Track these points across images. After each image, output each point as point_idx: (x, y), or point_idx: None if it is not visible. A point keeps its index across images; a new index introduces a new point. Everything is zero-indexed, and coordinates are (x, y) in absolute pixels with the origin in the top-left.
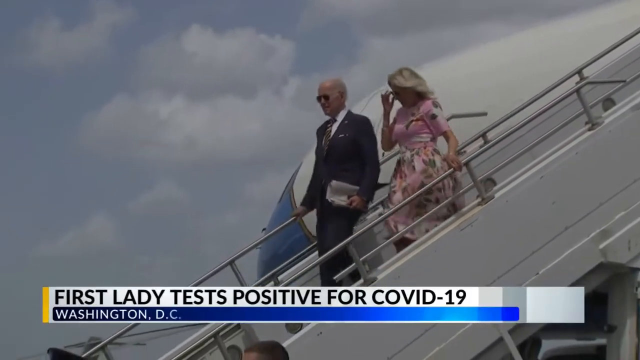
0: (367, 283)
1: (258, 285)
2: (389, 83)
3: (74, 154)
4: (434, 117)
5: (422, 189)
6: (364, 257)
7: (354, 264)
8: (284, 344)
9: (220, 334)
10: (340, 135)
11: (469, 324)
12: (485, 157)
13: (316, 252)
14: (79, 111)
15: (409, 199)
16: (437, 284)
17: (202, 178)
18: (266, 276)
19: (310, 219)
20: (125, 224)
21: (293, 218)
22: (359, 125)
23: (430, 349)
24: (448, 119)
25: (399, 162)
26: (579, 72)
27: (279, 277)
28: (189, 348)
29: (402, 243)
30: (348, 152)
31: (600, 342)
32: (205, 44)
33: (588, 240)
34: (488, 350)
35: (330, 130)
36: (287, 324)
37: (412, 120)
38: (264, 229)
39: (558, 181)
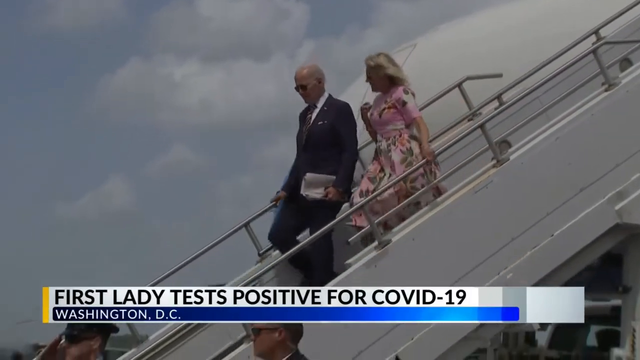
0: (382, 245)
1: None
2: (367, 65)
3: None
4: (404, 103)
5: (392, 183)
6: (379, 219)
7: (368, 227)
8: None
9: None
10: (319, 123)
11: (483, 286)
12: (500, 119)
13: None
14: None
15: (380, 191)
16: (452, 246)
17: (216, 141)
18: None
19: None
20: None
21: (273, 203)
22: (338, 111)
23: None
24: (463, 81)
25: (376, 151)
26: (596, 32)
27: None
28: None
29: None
30: (327, 139)
31: (616, 302)
32: (219, 7)
33: (604, 201)
34: None
35: (310, 117)
36: None
37: (384, 108)
38: (278, 192)
39: (574, 143)
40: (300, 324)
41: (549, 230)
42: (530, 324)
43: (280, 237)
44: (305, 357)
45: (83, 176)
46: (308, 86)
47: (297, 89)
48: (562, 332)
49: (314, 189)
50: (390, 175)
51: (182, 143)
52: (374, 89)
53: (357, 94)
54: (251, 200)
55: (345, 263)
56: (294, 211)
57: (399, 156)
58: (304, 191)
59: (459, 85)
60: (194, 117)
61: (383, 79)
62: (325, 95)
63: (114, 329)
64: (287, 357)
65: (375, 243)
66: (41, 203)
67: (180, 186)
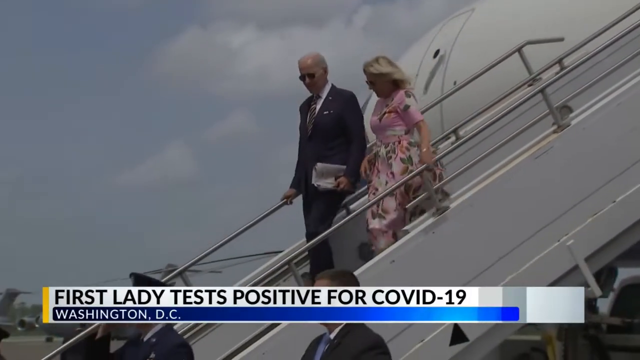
0: (440, 212)
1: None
2: (364, 71)
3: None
4: (406, 107)
5: (388, 191)
6: (437, 185)
7: (426, 193)
8: None
9: (294, 261)
10: (325, 112)
11: (543, 252)
12: (562, 84)
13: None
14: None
15: (380, 196)
16: (511, 213)
17: (274, 109)
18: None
19: None
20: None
21: (284, 201)
22: (344, 100)
23: (503, 277)
24: (523, 46)
25: (374, 156)
26: None
27: (351, 206)
28: (263, 275)
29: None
30: (334, 129)
31: None
32: None
33: None
34: (563, 278)
35: (315, 107)
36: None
37: (385, 112)
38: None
39: (637, 108)
40: None
41: (611, 196)
42: (592, 291)
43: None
44: (363, 323)
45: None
46: (316, 75)
47: (302, 78)
48: (625, 299)
49: (325, 178)
50: (387, 183)
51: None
52: (379, 95)
53: (414, 58)
54: None
55: (403, 229)
56: (309, 201)
57: (399, 166)
58: (315, 181)
59: (519, 50)
60: (251, 84)
61: (387, 83)
62: (329, 84)
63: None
64: (340, 328)
65: (434, 209)
66: (102, 170)
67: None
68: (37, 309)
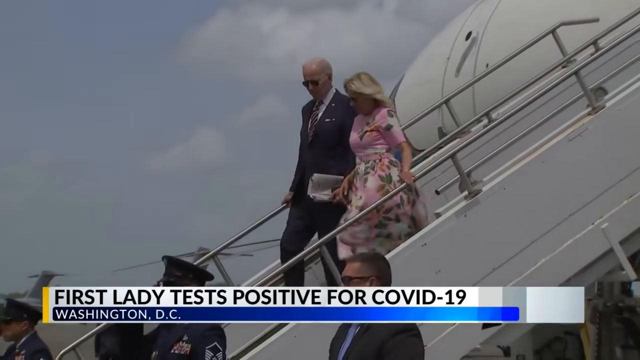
0: (472, 195)
1: None
2: (345, 87)
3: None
4: (389, 127)
5: (369, 209)
6: (469, 168)
7: (457, 176)
8: None
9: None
10: (327, 120)
11: (577, 235)
12: (596, 66)
13: (417, 166)
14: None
15: (356, 216)
16: (544, 195)
17: (304, 93)
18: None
19: (411, 132)
20: (231, 138)
21: (284, 205)
22: (347, 108)
23: (535, 261)
24: (557, 27)
25: (354, 173)
26: None
27: None
28: (295, 258)
29: None
30: (334, 138)
31: None
32: None
33: None
34: (597, 261)
35: (317, 113)
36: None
37: (366, 131)
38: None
39: None
40: (390, 273)
41: None
42: (627, 274)
43: (292, 246)
44: None
45: (174, 129)
46: (320, 81)
47: (305, 84)
48: None
49: (321, 190)
50: (361, 198)
51: (270, 95)
52: (359, 112)
53: (446, 40)
54: None
55: (435, 212)
56: (302, 212)
57: (376, 182)
58: (310, 192)
59: (553, 31)
60: (281, 68)
61: (369, 101)
62: (333, 90)
63: (209, 276)
64: None
65: (466, 192)
66: (134, 155)
67: (269, 137)
68: None
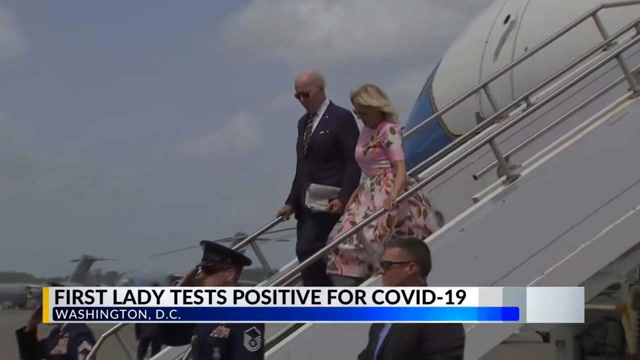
0: (510, 180)
1: None
2: (351, 100)
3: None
4: (388, 144)
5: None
6: (507, 153)
7: (495, 161)
8: None
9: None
10: (321, 132)
11: (617, 220)
12: (638, 48)
13: (455, 151)
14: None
15: (358, 224)
16: (584, 180)
17: (340, 78)
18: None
19: (449, 118)
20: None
21: (279, 218)
22: (341, 120)
23: (575, 247)
24: (597, 10)
25: (359, 187)
26: None
27: (419, 175)
28: (334, 242)
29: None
30: (329, 150)
31: None
32: None
33: None
34: (638, 247)
35: (311, 126)
36: None
37: (369, 147)
38: (402, 128)
39: None
40: (430, 259)
41: None
42: None
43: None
44: None
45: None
46: (310, 93)
47: (297, 96)
48: None
49: (318, 200)
50: (366, 216)
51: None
52: (366, 124)
53: (484, 24)
54: None
55: (473, 198)
56: (303, 222)
57: (383, 197)
58: (308, 202)
59: (593, 13)
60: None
61: (376, 113)
62: (327, 102)
63: (247, 261)
64: None
65: (504, 177)
66: (172, 140)
67: None
68: (113, 276)
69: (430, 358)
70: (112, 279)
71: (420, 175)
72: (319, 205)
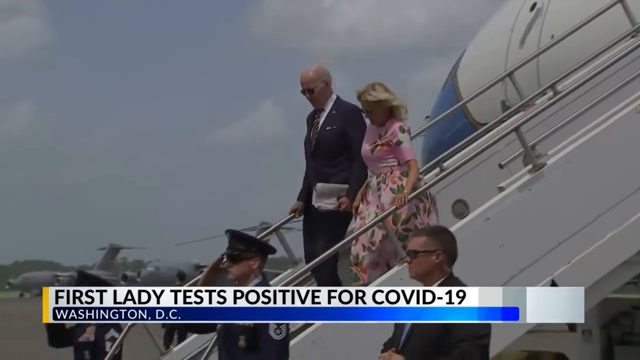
0: (536, 169)
1: (425, 171)
2: (359, 99)
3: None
4: (399, 143)
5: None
6: (534, 141)
7: (521, 149)
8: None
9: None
10: (328, 128)
11: None
12: None
13: (480, 140)
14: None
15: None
16: (612, 169)
17: (365, 67)
18: (432, 163)
19: (474, 106)
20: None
21: (292, 215)
22: (348, 115)
23: (602, 235)
24: None
25: (366, 185)
26: None
27: (444, 164)
28: (363, 228)
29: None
30: (336, 146)
31: None
32: None
33: None
34: None
35: (318, 122)
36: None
37: (377, 145)
38: (427, 117)
39: None
40: (456, 247)
41: None
42: None
43: (310, 257)
44: (459, 280)
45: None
46: (315, 89)
47: (303, 92)
48: None
49: (325, 199)
50: (377, 215)
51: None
52: (374, 122)
53: (510, 12)
54: None
55: (498, 186)
56: (310, 222)
57: (388, 196)
58: (315, 202)
59: (621, 0)
60: (341, 42)
61: (385, 110)
62: (333, 97)
63: (272, 250)
64: (443, 279)
65: (530, 166)
66: (197, 129)
67: None
68: (139, 264)
69: (456, 346)
70: (138, 268)
71: (445, 164)
72: (327, 204)
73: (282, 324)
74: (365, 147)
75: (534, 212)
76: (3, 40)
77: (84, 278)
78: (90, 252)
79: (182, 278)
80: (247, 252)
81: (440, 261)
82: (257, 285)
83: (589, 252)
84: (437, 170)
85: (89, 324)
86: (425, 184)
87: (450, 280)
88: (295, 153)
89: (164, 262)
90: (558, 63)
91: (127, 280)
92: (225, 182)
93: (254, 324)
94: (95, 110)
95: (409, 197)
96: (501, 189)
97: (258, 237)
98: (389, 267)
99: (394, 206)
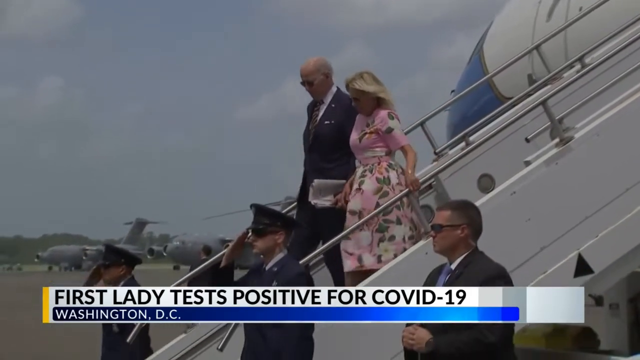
0: (564, 142)
1: (450, 146)
2: (347, 87)
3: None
4: (389, 130)
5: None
6: (561, 115)
7: (548, 123)
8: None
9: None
10: (326, 122)
11: None
12: None
13: (506, 113)
14: None
15: (358, 223)
16: (639, 142)
17: (391, 42)
18: (457, 137)
19: (500, 80)
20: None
21: (292, 206)
22: (347, 110)
23: (630, 209)
24: None
25: (353, 178)
26: None
27: (470, 138)
28: (384, 205)
29: (366, 274)
30: (334, 141)
31: None
32: None
33: None
34: None
35: (317, 114)
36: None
37: (365, 133)
38: (452, 91)
39: None
40: (481, 222)
41: None
42: None
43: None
44: (483, 254)
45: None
46: (315, 82)
47: (303, 84)
48: None
49: (322, 196)
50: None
51: (357, 43)
52: (361, 112)
53: None
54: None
55: (524, 160)
56: (307, 219)
57: (373, 185)
58: (312, 199)
59: None
60: (367, 16)
61: (372, 100)
62: (333, 90)
63: (298, 224)
64: (467, 253)
65: (557, 140)
66: (223, 104)
67: None
68: (165, 239)
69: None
70: (165, 242)
71: (471, 139)
72: (324, 201)
73: None
74: (354, 136)
75: (560, 185)
76: (31, 18)
77: (112, 251)
78: (117, 227)
79: (207, 252)
80: (272, 227)
81: (465, 235)
82: (281, 259)
83: (617, 225)
84: (462, 144)
85: None
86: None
87: (475, 254)
88: None
89: (189, 236)
90: (586, 36)
91: (154, 255)
92: (251, 157)
93: None
94: (123, 85)
95: (391, 200)
96: (527, 163)
97: (283, 211)
98: (360, 261)
99: (405, 189)
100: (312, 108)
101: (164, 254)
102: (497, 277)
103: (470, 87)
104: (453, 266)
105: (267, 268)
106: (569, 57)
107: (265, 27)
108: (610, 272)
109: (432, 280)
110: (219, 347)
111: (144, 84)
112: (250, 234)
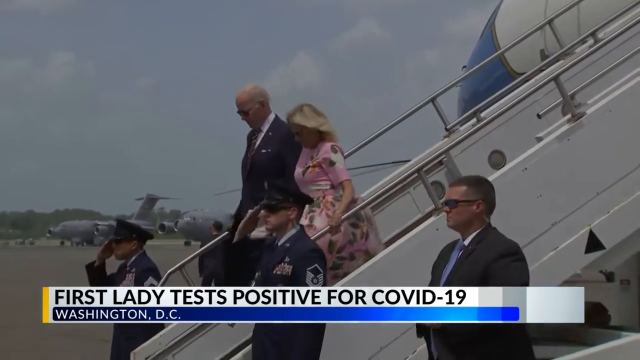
0: (575, 118)
1: (461, 122)
2: (288, 121)
3: None
4: (332, 164)
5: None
6: (573, 90)
7: (560, 99)
8: None
9: (424, 169)
10: (263, 151)
11: None
12: None
13: (518, 89)
14: None
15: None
16: None
17: (403, 16)
18: (469, 113)
19: (512, 55)
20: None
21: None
22: (283, 138)
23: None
24: None
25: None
26: None
27: (481, 114)
28: (393, 182)
29: None
30: (271, 170)
31: None
32: None
33: None
34: None
35: (255, 142)
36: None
37: (308, 167)
38: (464, 67)
39: None
40: (495, 197)
41: None
42: None
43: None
44: (496, 230)
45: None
46: (250, 111)
47: (239, 113)
48: None
49: (257, 226)
50: None
51: (369, 18)
52: (304, 145)
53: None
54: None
55: (536, 136)
56: (239, 248)
57: (323, 220)
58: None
59: None
60: None
61: (313, 133)
62: (270, 118)
63: (309, 200)
64: (481, 229)
65: (569, 115)
66: (231, 79)
67: (366, 62)
68: (176, 214)
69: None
70: (175, 218)
71: (482, 114)
72: (258, 231)
73: (320, 273)
74: (298, 170)
75: (572, 162)
76: None
77: (123, 226)
78: (128, 202)
79: (219, 228)
80: (284, 202)
81: (480, 211)
82: (293, 235)
83: (628, 202)
84: (473, 120)
85: (129, 271)
86: (360, 205)
87: (488, 230)
88: (330, 104)
89: (200, 212)
90: (599, 11)
91: (165, 230)
92: None
93: (292, 272)
94: (134, 60)
95: (343, 217)
96: (539, 139)
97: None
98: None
99: (328, 227)
100: (251, 136)
101: (175, 229)
102: (510, 253)
103: (481, 63)
104: (466, 242)
105: (279, 244)
106: (581, 32)
107: (274, 2)
108: (622, 248)
109: (444, 257)
110: (230, 323)
111: (155, 59)
112: (263, 210)
